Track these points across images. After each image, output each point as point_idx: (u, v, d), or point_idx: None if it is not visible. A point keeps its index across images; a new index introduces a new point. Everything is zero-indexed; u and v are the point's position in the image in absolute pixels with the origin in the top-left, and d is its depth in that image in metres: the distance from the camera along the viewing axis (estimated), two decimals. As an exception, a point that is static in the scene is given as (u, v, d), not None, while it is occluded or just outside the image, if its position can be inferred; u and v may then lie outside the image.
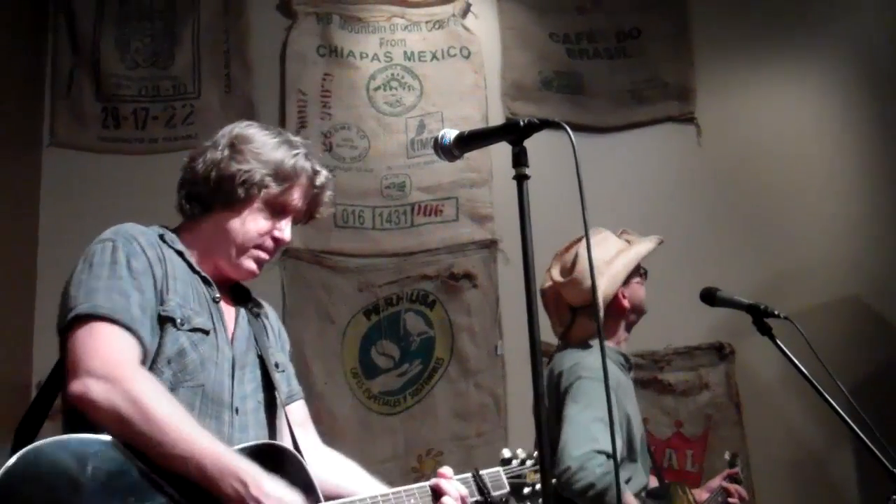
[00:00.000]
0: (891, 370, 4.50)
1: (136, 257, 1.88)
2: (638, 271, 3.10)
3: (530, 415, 2.69)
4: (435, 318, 4.43)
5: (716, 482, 3.23)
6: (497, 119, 4.58)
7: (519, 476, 2.28)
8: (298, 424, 2.11)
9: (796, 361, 2.64)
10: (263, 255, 2.04)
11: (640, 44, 4.87)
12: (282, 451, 1.90)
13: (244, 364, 2.01)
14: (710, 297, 2.98)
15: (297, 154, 2.05)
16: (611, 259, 3.05)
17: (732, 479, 3.23)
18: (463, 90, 4.65)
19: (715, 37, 4.86)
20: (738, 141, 4.75)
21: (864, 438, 2.52)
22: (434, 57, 4.71)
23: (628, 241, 3.14)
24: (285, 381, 2.16)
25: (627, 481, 2.78)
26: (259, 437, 1.97)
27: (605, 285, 3.03)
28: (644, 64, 4.84)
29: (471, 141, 1.81)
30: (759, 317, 2.79)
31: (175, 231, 2.09)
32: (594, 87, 4.80)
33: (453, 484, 2.04)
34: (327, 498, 1.92)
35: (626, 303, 3.07)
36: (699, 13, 4.90)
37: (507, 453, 2.35)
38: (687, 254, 4.23)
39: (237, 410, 1.94)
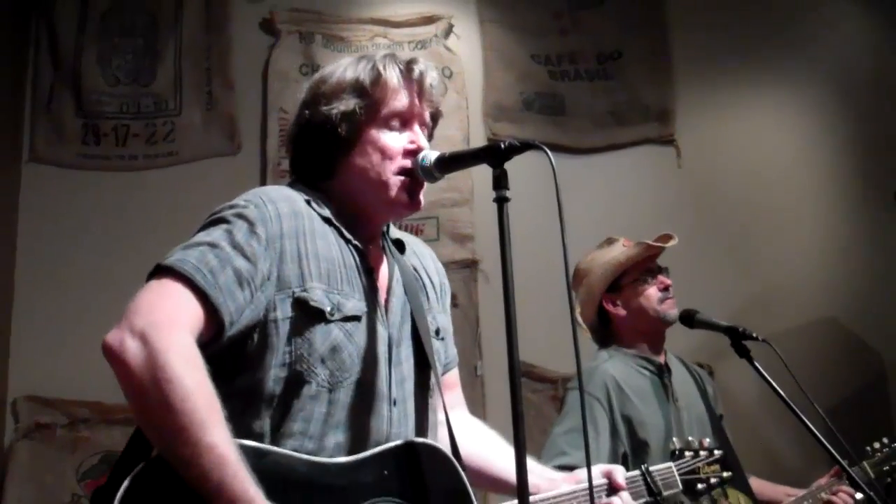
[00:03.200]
0: (868, 392, 4.53)
1: (263, 224, 1.68)
2: (633, 276, 3.10)
3: (510, 435, 2.70)
4: (415, 338, 4.41)
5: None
6: (479, 139, 4.59)
7: (692, 471, 2.19)
8: (448, 390, 1.97)
9: (774, 384, 2.65)
10: (407, 179, 1.81)
11: (620, 66, 4.90)
12: (435, 451, 1.78)
13: (400, 340, 1.83)
14: (688, 319, 3.01)
15: (371, 62, 1.86)
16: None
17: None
18: (445, 111, 4.54)
19: (695, 60, 4.90)
20: (717, 163, 4.78)
21: (840, 461, 2.54)
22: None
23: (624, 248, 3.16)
24: (443, 348, 2.00)
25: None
26: (417, 424, 1.82)
27: (583, 297, 3.12)
28: (625, 86, 4.87)
29: (452, 163, 1.80)
30: (738, 339, 2.80)
31: (321, 193, 1.86)
32: (575, 109, 4.82)
33: (622, 496, 1.96)
34: (469, 472, 1.82)
35: (619, 310, 3.09)
36: (680, 36, 4.94)
37: (677, 444, 2.25)
38: (666, 275, 4.24)
39: (395, 402, 1.77)
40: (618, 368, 3.00)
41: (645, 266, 3.13)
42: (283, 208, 1.73)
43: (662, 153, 4.80)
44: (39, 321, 4.16)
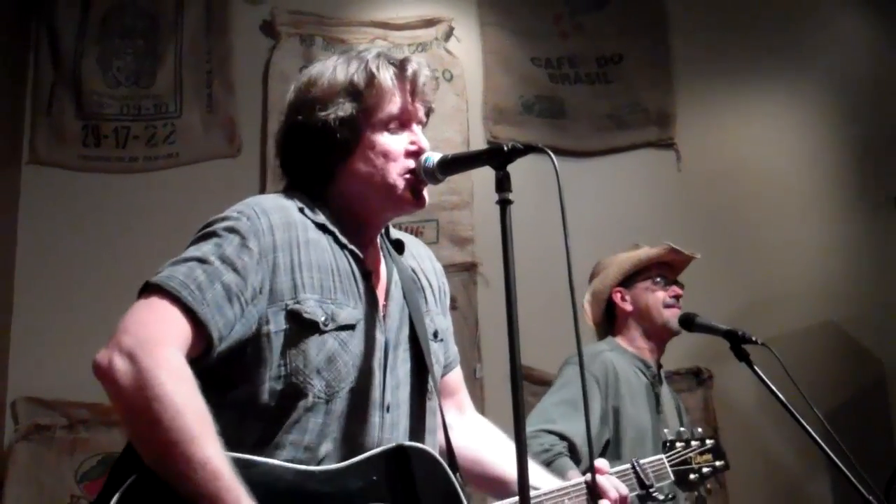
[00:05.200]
0: (867, 396, 4.53)
1: (256, 236, 1.66)
2: (649, 276, 3.14)
3: (510, 437, 2.70)
4: (414, 341, 4.41)
5: None
6: (478, 142, 4.59)
7: (684, 462, 2.16)
8: (449, 395, 1.94)
9: (773, 387, 2.65)
10: (412, 178, 1.79)
11: (621, 69, 4.91)
12: (425, 455, 1.75)
13: (397, 344, 1.81)
14: (688, 322, 3.01)
15: (362, 62, 1.82)
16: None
17: None
18: (445, 113, 4.66)
19: (695, 63, 4.91)
20: (716, 167, 4.79)
21: (840, 465, 2.53)
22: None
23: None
24: (442, 350, 1.97)
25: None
26: (409, 430, 1.79)
27: (596, 283, 3.19)
28: (625, 89, 4.87)
29: (455, 164, 1.79)
30: (737, 343, 2.80)
31: (317, 198, 1.83)
32: (575, 112, 4.83)
33: (611, 480, 1.91)
34: (470, 476, 1.81)
35: (626, 305, 3.13)
36: (680, 40, 4.94)
37: (668, 435, 2.24)
38: (666, 279, 4.24)
39: (388, 408, 1.75)
40: (619, 361, 3.04)
41: (662, 272, 3.17)
42: (276, 219, 1.71)
43: (662, 157, 4.81)
44: (39, 323, 4.16)
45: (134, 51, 4.62)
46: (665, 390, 3.16)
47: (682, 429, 2.31)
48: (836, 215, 4.80)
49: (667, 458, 2.18)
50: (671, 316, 3.08)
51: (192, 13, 4.67)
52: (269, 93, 4.58)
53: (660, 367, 3.18)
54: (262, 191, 4.31)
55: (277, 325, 1.66)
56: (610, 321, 3.22)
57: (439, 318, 1.98)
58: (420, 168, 1.80)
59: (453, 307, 4.40)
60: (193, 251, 1.63)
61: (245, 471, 1.48)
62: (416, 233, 4.50)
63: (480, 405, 4.27)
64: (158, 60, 4.61)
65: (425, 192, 1.83)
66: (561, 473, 2.35)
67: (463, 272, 4.49)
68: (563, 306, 1.66)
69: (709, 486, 2.31)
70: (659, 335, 3.13)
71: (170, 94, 4.58)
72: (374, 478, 1.68)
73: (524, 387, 1.55)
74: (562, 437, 2.74)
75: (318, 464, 1.64)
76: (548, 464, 2.54)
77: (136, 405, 1.45)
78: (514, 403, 1.53)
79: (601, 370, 2.94)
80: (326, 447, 1.66)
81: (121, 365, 1.46)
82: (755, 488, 4.32)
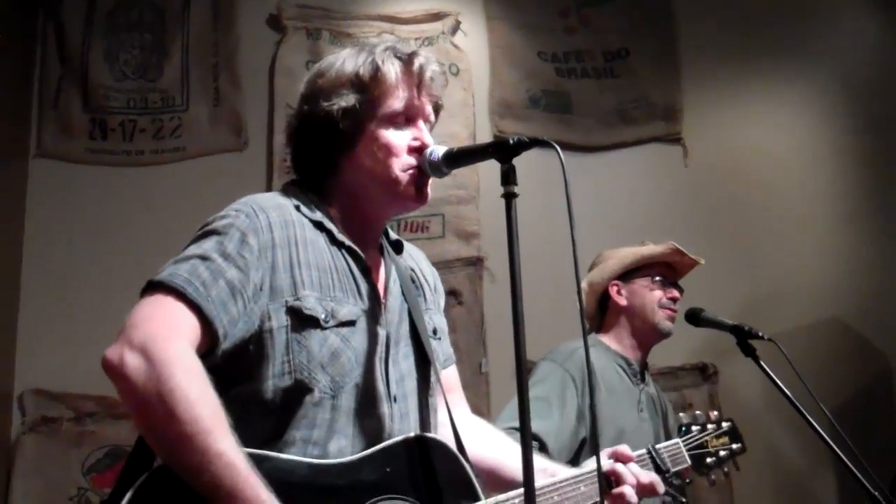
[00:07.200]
0: (873, 392, 4.52)
1: (255, 234, 1.67)
2: (649, 274, 3.11)
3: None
4: (420, 335, 4.41)
5: None
6: (484, 137, 4.58)
7: (700, 446, 2.15)
8: (448, 392, 1.95)
9: (780, 383, 2.65)
10: (415, 173, 1.80)
11: (627, 64, 4.90)
12: (436, 444, 1.76)
13: (398, 339, 1.83)
14: (694, 317, 3.00)
15: (370, 56, 1.82)
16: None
17: None
18: (451, 107, 4.65)
19: (702, 58, 4.90)
20: (723, 162, 4.78)
21: (846, 461, 2.53)
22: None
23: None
24: (440, 347, 1.98)
25: None
26: (419, 420, 1.82)
27: (594, 274, 3.15)
28: (632, 84, 4.86)
29: (460, 158, 1.79)
30: (743, 338, 2.80)
31: (315, 194, 1.85)
32: (582, 107, 4.82)
33: (630, 467, 1.91)
34: (486, 477, 1.81)
35: (620, 300, 3.10)
36: (687, 34, 4.93)
37: (684, 419, 2.23)
38: (672, 274, 4.24)
39: (395, 399, 1.76)
40: (599, 358, 3.01)
41: (664, 272, 3.14)
42: (274, 217, 1.72)
43: (669, 152, 4.80)
44: (46, 315, 4.17)
45: (141, 44, 4.62)
46: (649, 390, 3.12)
47: (697, 412, 2.30)
48: (843, 211, 4.78)
49: (683, 441, 2.17)
50: (663, 317, 3.05)
51: (199, 7, 4.67)
52: (275, 86, 4.58)
53: (645, 366, 3.15)
54: (269, 184, 4.32)
55: (279, 322, 1.66)
56: (602, 315, 3.19)
57: (437, 317, 2.00)
58: (425, 163, 1.80)
59: (459, 302, 4.42)
60: (195, 249, 1.64)
61: (259, 465, 1.48)
62: (422, 227, 4.51)
63: (486, 399, 4.30)
64: (165, 54, 4.61)
65: (428, 188, 1.84)
66: None
67: (468, 266, 4.49)
68: (568, 300, 1.67)
69: (726, 469, 2.31)
70: (647, 335, 3.09)
71: (176, 88, 4.58)
72: (388, 469, 1.68)
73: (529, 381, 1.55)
74: (532, 436, 2.70)
75: (332, 458, 1.64)
76: None
77: (150, 400, 1.44)
78: (520, 397, 1.54)
79: (578, 368, 2.89)
80: (338, 443, 1.67)
81: (132, 360, 1.45)
82: (761, 483, 4.32)
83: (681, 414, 2.30)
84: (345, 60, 1.84)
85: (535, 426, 2.65)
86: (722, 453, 2.25)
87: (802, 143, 4.88)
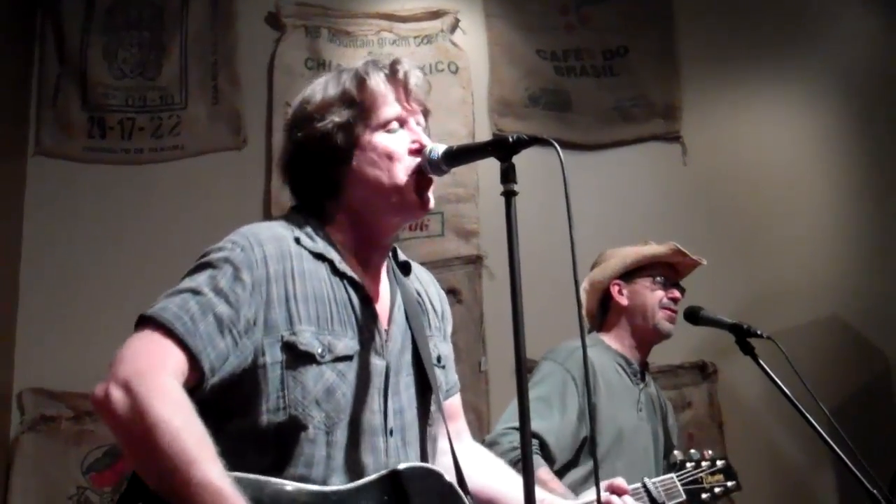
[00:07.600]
0: (872, 390, 4.53)
1: (249, 268, 1.67)
2: (650, 274, 3.11)
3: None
4: (419, 333, 4.41)
5: None
6: (483, 135, 4.58)
7: (695, 481, 2.17)
8: (451, 421, 1.93)
9: (779, 381, 2.65)
10: (418, 179, 1.79)
11: (627, 62, 4.90)
12: (430, 474, 1.76)
13: (399, 368, 1.82)
14: (693, 316, 3.00)
15: (352, 72, 1.84)
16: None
17: None
18: (450, 105, 4.65)
19: (701, 56, 4.90)
20: (722, 160, 4.77)
21: (845, 459, 2.53)
22: (422, 72, 4.71)
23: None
24: (444, 376, 1.96)
25: (587, 476, 2.76)
26: (419, 451, 1.82)
27: (596, 273, 3.15)
28: (631, 82, 4.86)
29: (460, 156, 1.79)
30: (742, 336, 2.80)
31: (317, 219, 1.84)
32: (581, 105, 4.81)
33: (626, 501, 1.91)
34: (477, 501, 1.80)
35: (622, 299, 3.10)
36: (686, 32, 4.93)
37: (678, 456, 2.25)
38: (671, 272, 4.24)
39: (391, 432, 1.77)
40: (598, 357, 3.00)
41: (665, 272, 3.13)
42: (270, 250, 1.71)
43: (668, 150, 4.80)
44: (45, 314, 4.17)
45: (139, 42, 4.62)
46: (649, 391, 3.11)
47: (692, 451, 2.30)
48: (841, 209, 4.78)
49: (677, 476, 2.17)
50: (664, 318, 3.05)
51: (198, 4, 4.66)
52: (274, 85, 4.58)
53: (645, 365, 3.15)
54: (268, 182, 4.31)
55: (273, 357, 1.66)
56: (603, 314, 3.19)
57: (442, 344, 1.99)
58: (425, 162, 1.80)
59: (458, 301, 4.41)
60: (188, 282, 1.64)
61: (256, 492, 1.50)
62: (422, 226, 4.50)
63: (485, 398, 4.30)
64: (164, 52, 4.61)
65: (430, 194, 1.83)
66: None
67: (468, 265, 4.49)
68: (567, 299, 1.66)
69: None
70: (647, 335, 3.09)
71: (175, 86, 4.58)
72: (385, 498, 1.68)
73: (528, 380, 1.55)
74: (533, 435, 2.71)
75: None
76: (516, 462, 2.53)
77: (134, 434, 1.46)
78: (519, 396, 1.54)
79: (579, 367, 2.88)
80: (338, 479, 1.67)
81: (117, 395, 1.47)
82: (760, 482, 4.31)
83: (675, 452, 2.31)
84: (327, 84, 1.86)
85: (536, 426, 2.66)
86: (717, 490, 2.27)
87: (802, 141, 4.88)
